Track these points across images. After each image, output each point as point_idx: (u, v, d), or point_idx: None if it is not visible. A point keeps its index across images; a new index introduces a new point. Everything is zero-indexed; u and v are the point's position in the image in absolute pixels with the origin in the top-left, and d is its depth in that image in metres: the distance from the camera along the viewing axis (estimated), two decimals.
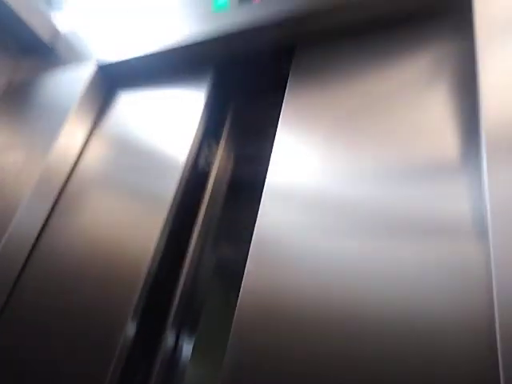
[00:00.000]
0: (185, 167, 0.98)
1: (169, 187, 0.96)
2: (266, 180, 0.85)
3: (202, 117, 1.04)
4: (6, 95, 1.46)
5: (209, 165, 1.05)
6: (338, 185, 0.78)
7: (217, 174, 1.05)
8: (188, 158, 0.99)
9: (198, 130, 1.02)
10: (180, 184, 0.96)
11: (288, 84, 0.96)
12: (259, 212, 0.81)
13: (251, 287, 0.73)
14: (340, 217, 0.74)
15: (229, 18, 1.04)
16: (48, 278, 1.01)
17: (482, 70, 0.66)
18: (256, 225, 0.79)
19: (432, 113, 0.75)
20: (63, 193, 1.17)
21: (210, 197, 1.00)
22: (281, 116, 0.92)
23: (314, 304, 0.68)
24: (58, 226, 1.10)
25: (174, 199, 0.94)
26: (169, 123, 1.11)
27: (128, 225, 0.97)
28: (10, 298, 1.02)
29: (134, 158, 1.10)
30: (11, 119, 1.35)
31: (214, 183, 1.03)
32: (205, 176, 1.04)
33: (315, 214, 0.76)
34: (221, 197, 1.07)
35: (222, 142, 1.07)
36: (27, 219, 1.07)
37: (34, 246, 1.08)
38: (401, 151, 0.74)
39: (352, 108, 0.84)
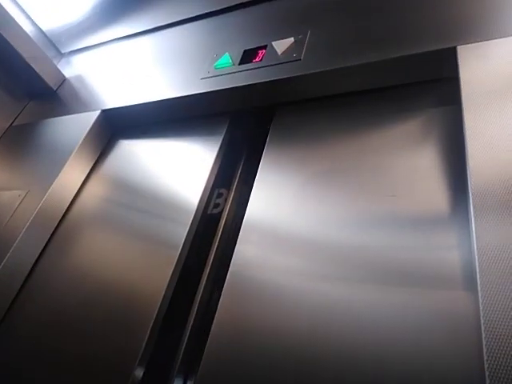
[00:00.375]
0: (196, 211, 1.00)
1: (179, 231, 0.97)
2: (242, 225, 0.92)
3: (213, 165, 1.08)
4: (11, 136, 1.50)
5: (220, 210, 1.07)
6: (311, 230, 0.83)
7: (227, 218, 1.07)
8: (200, 203, 1.02)
9: (209, 177, 1.06)
10: (191, 228, 0.98)
11: (268, 139, 1.05)
12: (235, 250, 0.88)
13: (224, 319, 0.79)
14: (317, 260, 0.79)
15: (230, 75, 1.10)
16: (41, 318, 1.01)
17: (468, 133, 0.70)
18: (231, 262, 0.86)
19: (421, 170, 0.79)
20: (58, 230, 1.19)
21: (220, 240, 1.02)
22: (259, 168, 0.99)
23: (279, 339, 0.72)
24: (53, 261, 1.12)
25: (185, 242, 0.95)
26: (176, 169, 1.15)
27: (134, 266, 0.98)
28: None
29: (139, 200, 1.13)
30: (14, 159, 1.38)
31: (223, 227, 1.05)
32: (215, 220, 1.07)
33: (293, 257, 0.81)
34: (231, 240, 1.08)
35: (233, 188, 1.10)
36: (21, 254, 1.09)
37: (26, 279, 1.10)
38: (385, 204, 0.78)
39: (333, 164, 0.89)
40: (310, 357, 0.69)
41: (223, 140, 1.12)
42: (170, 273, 0.91)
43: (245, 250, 0.88)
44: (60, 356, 0.92)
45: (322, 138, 0.98)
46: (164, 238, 1.00)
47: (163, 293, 0.88)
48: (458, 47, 0.81)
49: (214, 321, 0.80)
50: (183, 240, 0.95)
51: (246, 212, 0.94)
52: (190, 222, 0.98)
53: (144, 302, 0.90)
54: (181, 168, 1.14)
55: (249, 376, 0.72)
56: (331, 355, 0.68)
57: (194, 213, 1.00)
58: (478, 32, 0.81)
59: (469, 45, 0.80)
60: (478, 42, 0.80)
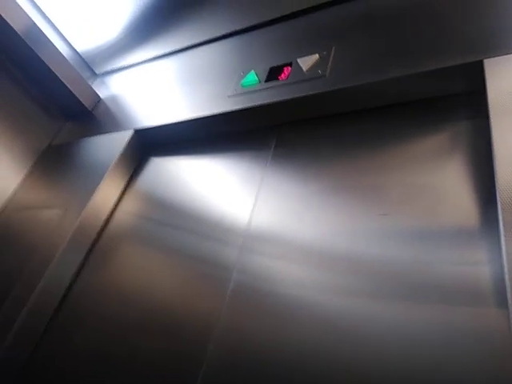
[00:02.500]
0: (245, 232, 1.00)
1: (230, 251, 0.98)
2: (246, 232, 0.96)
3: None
4: (48, 156, 1.59)
5: None
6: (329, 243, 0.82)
7: None
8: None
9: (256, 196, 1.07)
10: (240, 250, 0.97)
11: (271, 156, 1.08)
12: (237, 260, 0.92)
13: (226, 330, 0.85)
14: (326, 273, 0.81)
15: (257, 93, 1.13)
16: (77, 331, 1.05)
17: (496, 146, 0.70)
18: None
19: (449, 182, 0.79)
20: (95, 248, 1.24)
21: None
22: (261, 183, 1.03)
23: (281, 350, 0.76)
24: (90, 278, 1.17)
25: (236, 264, 0.95)
26: (214, 186, 1.17)
27: (183, 286, 1.00)
28: (39, 348, 1.07)
29: (180, 219, 1.15)
30: (53, 178, 1.46)
31: None
32: None
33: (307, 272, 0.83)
34: None
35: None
36: (60, 270, 1.15)
37: (64, 297, 1.15)
38: (409, 219, 0.78)
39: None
40: (318, 371, 0.71)
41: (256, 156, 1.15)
42: (226, 295, 0.91)
43: (248, 260, 0.92)
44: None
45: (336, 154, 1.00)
46: (214, 258, 1.01)
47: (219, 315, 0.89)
48: (485, 60, 0.80)
49: (215, 330, 0.83)
50: (234, 260, 0.96)
51: (250, 222, 0.97)
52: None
53: (199, 325, 0.90)
54: (218, 185, 1.17)
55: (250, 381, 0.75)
56: (342, 370, 0.69)
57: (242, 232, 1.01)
58: (505, 45, 0.80)
59: (496, 58, 0.80)
60: (505, 54, 0.79)
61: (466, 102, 0.87)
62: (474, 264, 0.68)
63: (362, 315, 0.73)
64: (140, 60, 1.68)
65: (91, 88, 1.71)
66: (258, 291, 0.88)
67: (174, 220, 1.17)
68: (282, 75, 1.11)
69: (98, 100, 1.70)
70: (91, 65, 1.85)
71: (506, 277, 0.58)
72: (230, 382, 0.79)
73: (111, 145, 1.40)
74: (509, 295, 0.57)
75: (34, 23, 1.50)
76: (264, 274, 0.90)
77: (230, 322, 0.87)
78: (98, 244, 1.25)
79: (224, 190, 1.13)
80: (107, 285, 1.14)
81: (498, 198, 0.66)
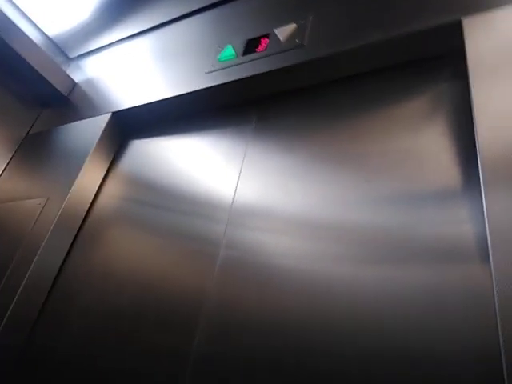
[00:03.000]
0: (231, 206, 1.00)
1: (216, 227, 0.98)
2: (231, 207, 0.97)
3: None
4: (27, 146, 1.54)
5: None
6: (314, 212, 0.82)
7: None
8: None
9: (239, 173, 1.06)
10: (227, 226, 0.97)
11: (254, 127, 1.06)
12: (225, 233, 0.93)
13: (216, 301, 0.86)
14: (317, 241, 0.80)
15: (234, 67, 1.10)
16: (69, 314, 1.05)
17: (476, 107, 0.69)
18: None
19: (431, 145, 0.78)
20: (81, 233, 1.23)
21: None
22: (245, 155, 1.03)
23: (272, 319, 0.77)
24: (79, 262, 1.16)
25: (223, 240, 0.95)
26: (196, 164, 1.16)
27: (174, 264, 0.99)
28: (34, 333, 1.07)
29: (166, 199, 1.14)
30: (33, 167, 1.42)
31: None
32: None
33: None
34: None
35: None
36: (48, 257, 1.14)
37: (54, 282, 1.15)
38: (397, 180, 0.78)
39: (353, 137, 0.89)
40: (309, 338, 0.71)
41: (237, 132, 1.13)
42: (215, 270, 0.91)
43: (234, 234, 0.92)
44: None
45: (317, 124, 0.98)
46: (201, 235, 1.00)
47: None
48: (463, 20, 0.79)
49: (206, 303, 0.84)
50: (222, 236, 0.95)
51: (235, 197, 0.97)
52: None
53: (189, 301, 0.90)
54: (201, 163, 1.15)
55: (243, 352, 0.76)
56: (333, 335, 0.69)
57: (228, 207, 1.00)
58: (483, 2, 0.79)
59: (474, 16, 0.78)
60: (484, 11, 0.77)
61: (447, 63, 0.86)
62: (457, 223, 0.69)
63: (350, 280, 0.74)
64: (114, 40, 1.63)
65: (65, 73, 1.65)
66: (245, 264, 0.87)
67: (159, 200, 1.15)
68: (260, 47, 1.08)
69: (73, 85, 1.65)
70: (64, 49, 1.79)
71: (488, 233, 0.59)
72: (222, 354, 0.79)
73: (90, 130, 1.37)
74: (490, 250, 0.57)
75: (1, 10, 1.43)
76: (251, 247, 0.89)
77: (220, 296, 0.87)
78: (84, 229, 1.24)
79: (207, 168, 1.11)
80: (96, 268, 1.12)
81: (478, 159, 0.65)
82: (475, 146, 0.67)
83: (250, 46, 1.11)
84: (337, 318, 0.72)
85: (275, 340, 0.75)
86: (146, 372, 0.86)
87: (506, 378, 0.49)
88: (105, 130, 1.33)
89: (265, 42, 1.08)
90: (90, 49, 1.72)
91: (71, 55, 1.79)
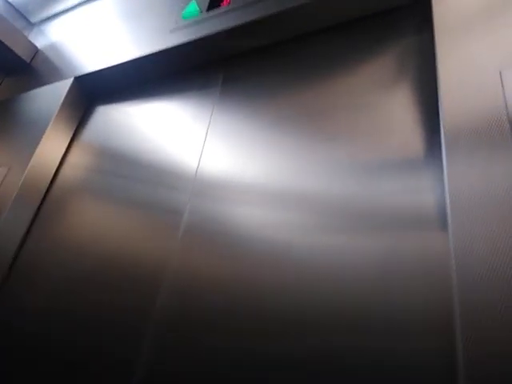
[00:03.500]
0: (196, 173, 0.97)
1: (180, 196, 0.95)
2: (196, 176, 0.94)
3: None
4: None
5: None
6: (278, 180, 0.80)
7: None
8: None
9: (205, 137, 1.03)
10: (191, 194, 0.94)
11: (220, 90, 1.03)
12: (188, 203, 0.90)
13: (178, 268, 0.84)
14: (276, 208, 0.77)
15: (199, 24, 1.05)
16: (37, 288, 1.02)
17: (441, 71, 0.66)
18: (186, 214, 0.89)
19: (393, 111, 0.76)
20: (45, 202, 1.18)
21: None
22: (211, 121, 1.00)
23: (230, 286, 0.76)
24: (44, 232, 1.12)
25: (187, 208, 0.93)
26: (165, 130, 1.12)
27: (136, 232, 0.97)
28: None
29: (131, 167, 1.10)
30: None
31: None
32: None
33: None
34: None
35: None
36: (9, 229, 1.10)
37: (18, 252, 1.11)
38: (358, 148, 0.75)
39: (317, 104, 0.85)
40: (265, 301, 0.70)
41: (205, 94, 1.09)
42: (178, 238, 0.89)
43: (198, 203, 0.90)
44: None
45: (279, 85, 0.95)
46: (164, 204, 0.97)
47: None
48: None
49: (168, 268, 0.83)
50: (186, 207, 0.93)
51: (200, 164, 0.94)
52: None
53: (151, 270, 0.88)
54: (166, 130, 1.11)
55: (203, 314, 0.75)
56: (300, 299, 0.68)
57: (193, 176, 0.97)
58: None
59: None
60: None
61: (413, 15, 0.82)
62: (420, 191, 0.67)
63: (309, 249, 0.72)
64: (76, 3, 1.54)
65: (27, 39, 1.56)
66: (208, 233, 0.85)
67: (124, 169, 1.11)
68: (224, 2, 1.03)
69: (35, 51, 1.57)
70: (25, 14, 1.69)
71: (448, 202, 0.57)
72: (181, 323, 0.77)
73: (52, 96, 1.30)
74: (449, 219, 0.56)
75: None
76: (213, 215, 0.87)
77: (182, 263, 0.85)
78: (47, 199, 1.19)
79: (173, 134, 1.07)
80: (58, 239, 1.09)
81: (441, 125, 0.63)
82: (438, 111, 0.64)
83: (215, 1, 1.05)
84: (296, 286, 0.70)
85: (233, 304, 0.74)
86: (108, 332, 0.84)
87: (460, 346, 0.48)
88: (67, 95, 1.26)
89: None
90: (53, 13, 1.63)
91: (33, 20, 1.69)
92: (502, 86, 0.58)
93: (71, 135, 1.28)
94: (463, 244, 0.54)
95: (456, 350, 0.50)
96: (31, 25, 1.71)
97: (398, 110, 0.76)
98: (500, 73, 0.59)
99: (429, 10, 0.73)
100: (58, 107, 1.24)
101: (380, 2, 0.85)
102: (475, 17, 0.68)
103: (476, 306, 0.49)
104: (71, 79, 1.28)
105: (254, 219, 0.82)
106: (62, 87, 1.29)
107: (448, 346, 0.54)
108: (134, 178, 1.08)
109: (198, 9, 1.07)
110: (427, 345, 0.56)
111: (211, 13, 1.04)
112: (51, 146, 1.22)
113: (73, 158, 1.25)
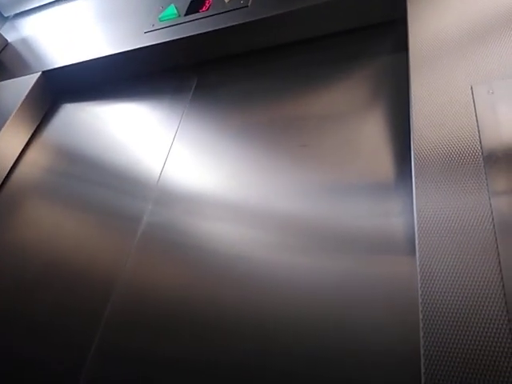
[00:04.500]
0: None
1: (138, 204, 0.90)
2: (157, 183, 0.91)
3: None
4: None
5: None
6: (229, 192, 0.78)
7: None
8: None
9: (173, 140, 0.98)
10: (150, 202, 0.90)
11: (191, 96, 1.01)
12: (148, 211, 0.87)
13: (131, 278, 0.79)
14: (233, 222, 0.76)
15: (175, 27, 1.02)
16: None
17: (413, 89, 0.64)
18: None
19: (364, 128, 0.74)
20: None
21: None
22: (178, 127, 0.97)
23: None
24: None
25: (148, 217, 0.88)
26: (129, 133, 1.07)
27: (90, 239, 0.91)
28: None
29: (91, 171, 1.04)
30: None
31: None
32: None
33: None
34: None
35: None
36: None
37: None
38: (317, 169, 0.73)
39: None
40: (225, 321, 0.67)
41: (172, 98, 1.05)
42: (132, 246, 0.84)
43: (158, 210, 0.86)
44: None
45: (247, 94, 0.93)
46: (121, 211, 0.93)
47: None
48: None
49: (121, 275, 0.79)
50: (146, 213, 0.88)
51: (163, 171, 0.91)
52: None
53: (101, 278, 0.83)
54: (133, 133, 1.06)
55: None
56: (262, 321, 0.64)
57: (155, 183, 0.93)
58: None
59: None
60: None
61: (389, 33, 0.82)
62: (389, 214, 0.65)
63: (271, 265, 0.69)
64: (53, 0, 1.50)
65: None
66: (165, 242, 0.82)
67: (83, 172, 1.05)
68: (203, 7, 1.01)
69: (5, 44, 1.50)
70: None
71: (416, 226, 0.55)
72: (129, 332, 0.73)
73: (15, 90, 1.23)
74: (417, 241, 0.54)
75: None
76: (173, 225, 0.83)
77: (135, 271, 0.81)
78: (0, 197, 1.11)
79: (138, 139, 1.03)
80: (8, 241, 1.01)
81: (412, 147, 0.60)
82: (410, 137, 0.62)
83: (194, 7, 1.03)
84: (253, 303, 0.67)
85: (186, 314, 0.70)
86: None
87: (422, 372, 0.45)
88: (32, 90, 1.20)
89: (208, 2, 1.01)
90: (28, 8, 1.57)
91: (6, 14, 1.63)
92: (473, 100, 0.56)
93: (31, 132, 1.21)
94: (429, 270, 0.51)
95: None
96: (4, 18, 1.65)
97: (369, 127, 0.74)
98: (471, 88, 0.58)
99: (404, 28, 0.72)
100: (21, 102, 1.17)
101: (356, 18, 0.84)
102: (448, 35, 0.67)
103: (438, 336, 0.46)
104: (38, 73, 1.22)
105: (215, 232, 0.78)
106: (28, 81, 1.22)
107: (411, 377, 0.50)
108: (92, 181, 1.03)
109: (176, 12, 1.05)
110: (390, 375, 0.53)
111: (189, 17, 1.01)
112: (7, 143, 1.15)
113: (30, 156, 1.18)
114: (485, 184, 0.53)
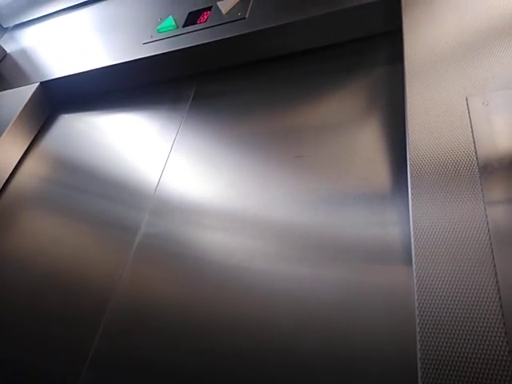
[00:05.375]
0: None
1: (136, 215, 0.90)
2: (154, 193, 0.91)
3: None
4: None
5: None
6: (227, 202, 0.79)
7: None
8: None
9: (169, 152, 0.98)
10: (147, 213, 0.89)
11: (189, 106, 1.01)
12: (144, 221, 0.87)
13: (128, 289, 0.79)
14: (232, 232, 0.76)
15: (173, 38, 1.03)
16: None
17: (410, 100, 0.65)
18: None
19: (361, 138, 0.74)
20: None
21: None
22: (176, 137, 0.98)
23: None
24: None
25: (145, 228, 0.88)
26: (127, 144, 1.07)
27: (88, 250, 0.91)
28: None
29: (89, 181, 1.04)
30: None
31: None
32: None
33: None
34: None
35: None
36: None
37: None
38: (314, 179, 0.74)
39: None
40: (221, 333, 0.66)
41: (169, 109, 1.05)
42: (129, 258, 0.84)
43: (155, 220, 0.86)
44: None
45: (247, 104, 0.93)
46: (119, 222, 0.92)
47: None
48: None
49: (117, 285, 0.78)
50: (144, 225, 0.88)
51: (160, 182, 0.91)
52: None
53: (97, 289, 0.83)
54: (131, 144, 1.06)
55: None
56: (263, 332, 0.64)
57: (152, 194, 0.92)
58: None
59: None
60: None
61: (384, 44, 0.83)
62: (386, 224, 0.65)
63: (268, 276, 0.69)
64: (52, 11, 1.51)
65: None
66: (162, 253, 0.81)
67: (80, 182, 1.05)
68: (201, 19, 1.02)
69: (3, 55, 1.51)
70: None
71: (412, 236, 0.55)
72: (126, 342, 0.72)
73: (14, 100, 1.24)
74: (413, 251, 0.54)
75: None
76: (170, 235, 0.83)
77: (132, 281, 0.80)
78: None
79: (135, 149, 1.03)
80: (5, 252, 1.01)
81: (408, 158, 0.61)
82: (406, 147, 0.63)
83: (192, 18, 1.05)
84: (249, 313, 0.66)
85: (182, 324, 0.69)
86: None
87: (419, 382, 0.45)
88: (30, 100, 1.20)
89: (207, 14, 1.02)
90: (27, 19, 1.59)
91: (5, 25, 1.64)
92: (469, 112, 0.57)
93: (29, 142, 1.21)
94: (426, 280, 0.51)
95: None
96: (3, 29, 1.66)
97: (366, 137, 0.75)
98: (466, 99, 0.58)
99: (400, 40, 0.73)
100: (19, 112, 1.17)
101: (353, 30, 0.85)
102: (444, 47, 0.68)
103: (435, 346, 0.46)
104: (36, 84, 1.23)
105: (213, 242, 0.78)
106: (26, 92, 1.23)
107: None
108: (89, 191, 1.03)
109: (174, 24, 1.06)
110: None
111: (187, 29, 1.02)
112: (5, 153, 1.15)
113: (28, 166, 1.18)
114: (480, 194, 0.53)
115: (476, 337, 0.44)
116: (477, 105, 0.57)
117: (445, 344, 0.45)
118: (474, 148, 0.56)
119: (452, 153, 0.57)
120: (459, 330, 0.46)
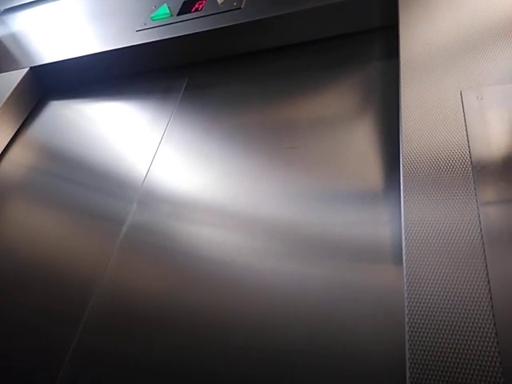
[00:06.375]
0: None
1: (122, 205, 0.88)
2: (142, 185, 0.89)
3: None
4: None
5: None
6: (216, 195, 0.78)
7: None
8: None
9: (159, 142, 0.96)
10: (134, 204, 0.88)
11: (180, 97, 1.00)
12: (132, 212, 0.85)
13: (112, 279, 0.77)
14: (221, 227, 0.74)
15: (167, 26, 1.01)
16: None
17: (404, 96, 0.64)
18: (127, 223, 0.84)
19: (354, 134, 0.73)
20: None
21: None
22: (166, 129, 0.96)
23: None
24: None
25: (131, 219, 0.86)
26: (116, 132, 1.05)
27: (72, 240, 0.89)
28: None
29: (76, 170, 1.01)
30: None
31: None
32: None
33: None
34: None
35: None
36: None
37: None
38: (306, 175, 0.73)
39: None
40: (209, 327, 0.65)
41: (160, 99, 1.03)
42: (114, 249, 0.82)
43: (141, 212, 0.84)
44: None
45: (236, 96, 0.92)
46: (104, 212, 0.90)
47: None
48: None
49: (104, 278, 0.77)
50: (130, 215, 0.86)
51: (148, 173, 0.89)
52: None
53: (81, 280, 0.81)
54: (120, 133, 1.04)
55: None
56: (251, 327, 0.62)
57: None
58: None
59: None
60: None
61: (380, 38, 0.82)
62: (378, 223, 0.63)
63: (257, 271, 0.67)
64: None
65: None
66: (148, 245, 0.79)
67: (68, 171, 1.03)
68: (196, 8, 1.00)
69: None
70: None
71: (403, 235, 0.54)
72: (109, 335, 0.70)
73: (2, 85, 1.20)
74: (404, 249, 0.53)
75: None
76: (157, 228, 0.81)
77: (116, 273, 0.78)
78: None
79: (124, 139, 1.01)
80: None
81: (400, 157, 0.60)
82: (399, 146, 0.61)
83: (186, 7, 1.02)
84: (237, 308, 0.65)
85: (166, 317, 0.68)
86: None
87: (407, 377, 0.44)
88: (18, 86, 1.17)
89: (201, 3, 1.00)
90: (18, 3, 1.55)
91: None
92: (463, 105, 0.56)
93: (16, 129, 1.18)
94: (415, 280, 0.50)
95: None
96: None
97: (359, 132, 0.73)
98: (460, 93, 0.57)
99: (396, 34, 0.72)
100: (6, 97, 1.14)
101: (349, 24, 0.84)
102: (439, 42, 0.67)
103: (424, 344, 0.45)
104: (26, 69, 1.20)
105: (201, 235, 0.76)
106: (15, 77, 1.20)
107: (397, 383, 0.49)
108: (76, 180, 1.00)
109: (168, 12, 1.03)
110: (375, 381, 0.52)
111: (181, 17, 1.00)
112: None
113: (14, 153, 1.15)
114: (473, 193, 0.52)
115: (466, 337, 0.43)
116: (471, 99, 0.56)
117: (434, 344, 0.45)
118: (467, 142, 0.55)
119: (445, 148, 0.56)
120: (449, 330, 0.45)
